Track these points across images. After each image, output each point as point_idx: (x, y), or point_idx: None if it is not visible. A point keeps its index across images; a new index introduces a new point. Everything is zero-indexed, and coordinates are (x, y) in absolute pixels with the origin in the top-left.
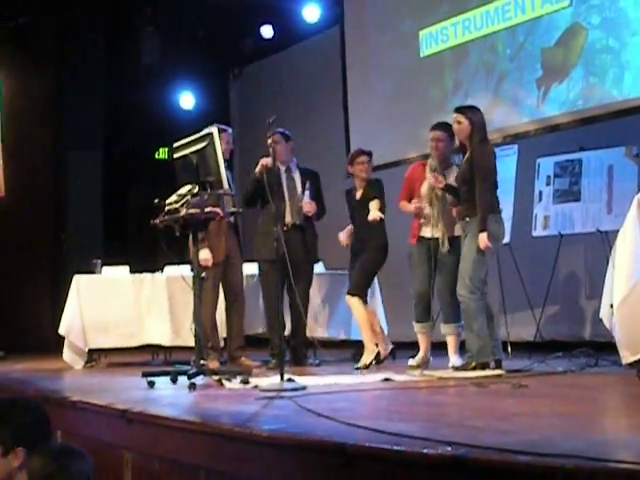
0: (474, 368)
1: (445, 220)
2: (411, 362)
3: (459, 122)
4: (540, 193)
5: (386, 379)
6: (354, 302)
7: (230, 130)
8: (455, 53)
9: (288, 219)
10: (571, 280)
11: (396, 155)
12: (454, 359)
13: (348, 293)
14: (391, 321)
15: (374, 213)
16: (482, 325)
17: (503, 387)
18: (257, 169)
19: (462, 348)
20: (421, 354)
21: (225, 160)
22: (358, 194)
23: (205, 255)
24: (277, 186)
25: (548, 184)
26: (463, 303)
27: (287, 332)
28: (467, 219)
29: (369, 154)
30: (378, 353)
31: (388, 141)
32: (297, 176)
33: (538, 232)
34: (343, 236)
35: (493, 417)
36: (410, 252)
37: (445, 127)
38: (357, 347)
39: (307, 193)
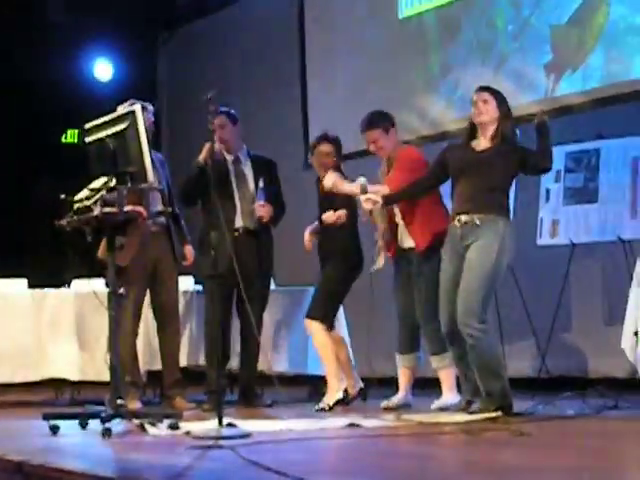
0: (495, 410)
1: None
2: (386, 404)
3: (485, 100)
4: (547, 192)
5: (352, 424)
6: (315, 328)
7: (151, 108)
8: (442, 27)
9: (238, 223)
10: (585, 301)
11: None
12: (451, 398)
13: (307, 317)
14: (360, 352)
15: (333, 213)
16: (500, 361)
17: (499, 435)
18: (200, 156)
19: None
20: (400, 394)
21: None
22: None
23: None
24: (223, 181)
25: (557, 180)
26: (471, 337)
27: (236, 365)
28: (476, 220)
29: (334, 141)
30: (345, 392)
31: (356, 122)
32: (248, 168)
33: (544, 240)
34: (306, 236)
35: (487, 473)
36: (394, 273)
37: (379, 118)
38: (316, 384)
39: (260, 193)
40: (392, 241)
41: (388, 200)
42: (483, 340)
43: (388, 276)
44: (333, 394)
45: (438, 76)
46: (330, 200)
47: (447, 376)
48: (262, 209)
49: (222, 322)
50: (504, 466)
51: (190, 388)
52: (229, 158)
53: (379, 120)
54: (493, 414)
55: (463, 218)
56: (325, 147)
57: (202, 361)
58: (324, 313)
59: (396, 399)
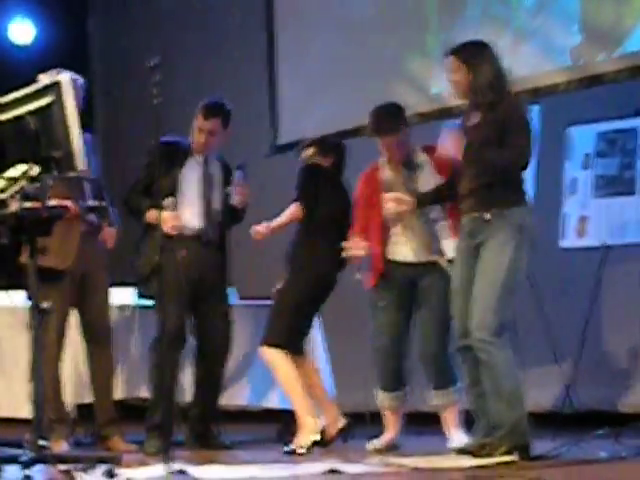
0: (507, 453)
1: (423, 237)
2: (372, 445)
3: (452, 69)
4: (574, 181)
5: (332, 471)
6: (271, 357)
7: (82, 81)
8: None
9: (195, 224)
10: (620, 318)
11: (351, 120)
12: (458, 437)
13: (262, 344)
14: (342, 382)
15: (266, 225)
16: (516, 385)
17: None
18: (164, 226)
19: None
20: (388, 435)
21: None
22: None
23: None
24: (177, 178)
25: (586, 167)
26: (483, 352)
27: (189, 398)
28: (486, 216)
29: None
30: (322, 431)
31: (335, 103)
32: (216, 171)
33: (570, 242)
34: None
35: None
36: (375, 297)
37: (396, 115)
38: (286, 420)
39: (239, 174)
40: (380, 253)
41: (422, 200)
42: (497, 357)
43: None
44: (306, 434)
45: (437, 40)
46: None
47: (453, 413)
48: (240, 192)
49: (176, 340)
50: None
51: (130, 426)
52: (199, 158)
53: (396, 120)
54: (506, 457)
55: (471, 214)
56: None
57: (144, 392)
58: (285, 337)
59: (384, 440)
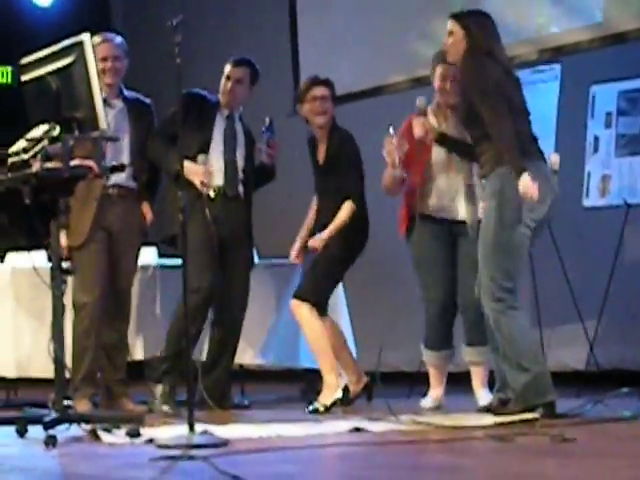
0: (528, 411)
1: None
2: (425, 403)
3: (451, 32)
4: (596, 140)
5: (356, 429)
6: (304, 312)
7: (120, 40)
8: None
9: (219, 182)
10: None
11: (372, 79)
12: (483, 396)
13: (295, 297)
14: (364, 342)
15: (320, 237)
16: (524, 347)
17: (538, 441)
18: (195, 178)
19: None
20: (435, 392)
21: (108, 86)
22: (320, 154)
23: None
24: (208, 135)
25: (608, 126)
26: (489, 318)
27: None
28: (483, 180)
29: (327, 84)
30: (345, 389)
31: (357, 62)
32: (239, 129)
33: (592, 201)
34: (295, 248)
35: None
36: (411, 243)
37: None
38: (311, 380)
39: (266, 131)
40: (412, 207)
41: (443, 139)
42: (500, 322)
43: (400, 246)
44: (330, 392)
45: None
46: (329, 173)
47: (480, 373)
48: (271, 146)
49: (203, 296)
50: None
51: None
52: (223, 113)
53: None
54: (529, 415)
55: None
56: (320, 90)
57: (155, 352)
58: (316, 295)
59: (434, 397)
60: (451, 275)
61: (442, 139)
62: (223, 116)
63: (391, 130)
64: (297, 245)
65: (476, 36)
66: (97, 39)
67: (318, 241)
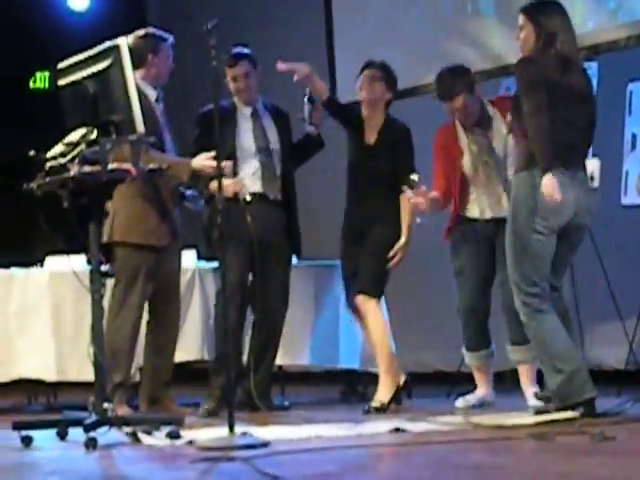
0: (570, 408)
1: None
2: (461, 403)
3: (521, 27)
4: (633, 137)
5: (397, 429)
6: (371, 307)
7: (171, 40)
8: None
9: (256, 187)
10: None
11: (410, 79)
12: (530, 394)
13: (361, 293)
14: (401, 339)
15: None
16: (556, 349)
17: (578, 440)
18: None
19: None
20: (480, 392)
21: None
22: (371, 135)
23: (200, 160)
24: (233, 140)
25: None
26: (523, 321)
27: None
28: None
29: (381, 67)
30: (398, 388)
31: (392, 61)
32: (268, 121)
33: (631, 199)
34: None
35: None
36: (451, 247)
37: (461, 78)
38: (349, 381)
39: (307, 104)
40: (457, 209)
41: None
42: (529, 326)
43: (439, 248)
44: (385, 392)
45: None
46: (379, 155)
47: (527, 371)
48: (314, 117)
49: (237, 295)
50: (584, 479)
51: (187, 389)
52: (246, 111)
53: (461, 81)
54: (569, 414)
55: None
56: (370, 71)
57: (203, 355)
58: (380, 289)
59: (475, 396)
60: (484, 276)
61: None
62: (246, 115)
63: (415, 177)
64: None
65: (544, 28)
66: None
67: (405, 251)
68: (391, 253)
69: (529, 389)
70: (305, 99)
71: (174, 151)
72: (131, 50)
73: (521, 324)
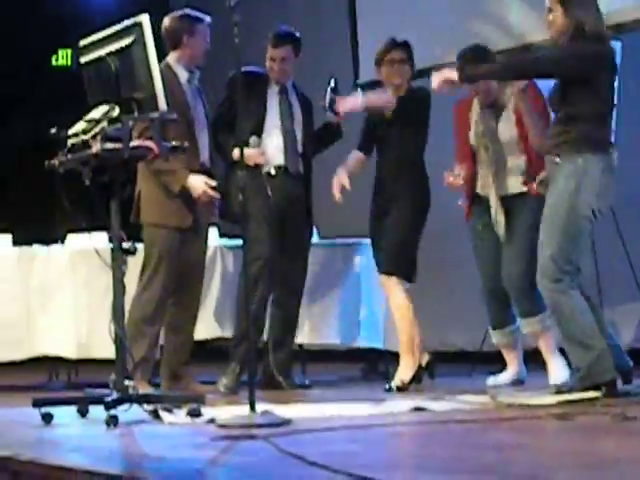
0: (590, 389)
1: (498, 171)
2: (493, 381)
3: (550, 9)
4: None
5: (418, 408)
6: (393, 285)
7: (208, 20)
8: None
9: (278, 161)
10: None
11: (429, 58)
12: (554, 367)
13: (384, 272)
14: (424, 318)
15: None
16: (586, 325)
17: (599, 420)
18: (250, 160)
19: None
20: (511, 370)
21: (198, 68)
22: (388, 112)
23: (198, 182)
24: (262, 111)
25: None
26: (548, 299)
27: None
28: (557, 159)
29: (405, 47)
30: (419, 367)
31: (414, 41)
32: (295, 101)
33: None
34: (339, 178)
35: (581, 466)
36: (472, 226)
37: (483, 58)
38: (370, 359)
39: (330, 95)
40: (470, 184)
41: (469, 78)
42: (560, 302)
43: (463, 228)
44: (406, 371)
45: None
46: (398, 128)
47: (546, 341)
48: (337, 105)
49: (265, 268)
50: (604, 458)
51: (208, 367)
52: (275, 88)
53: (483, 61)
54: (590, 394)
55: (549, 157)
56: (398, 54)
57: (226, 332)
58: (403, 267)
59: (507, 376)
60: (499, 256)
61: (469, 79)
62: (275, 91)
63: (456, 170)
64: (337, 183)
65: (574, 11)
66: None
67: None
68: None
69: (552, 360)
70: (328, 88)
71: (207, 130)
72: (167, 31)
73: (530, 294)
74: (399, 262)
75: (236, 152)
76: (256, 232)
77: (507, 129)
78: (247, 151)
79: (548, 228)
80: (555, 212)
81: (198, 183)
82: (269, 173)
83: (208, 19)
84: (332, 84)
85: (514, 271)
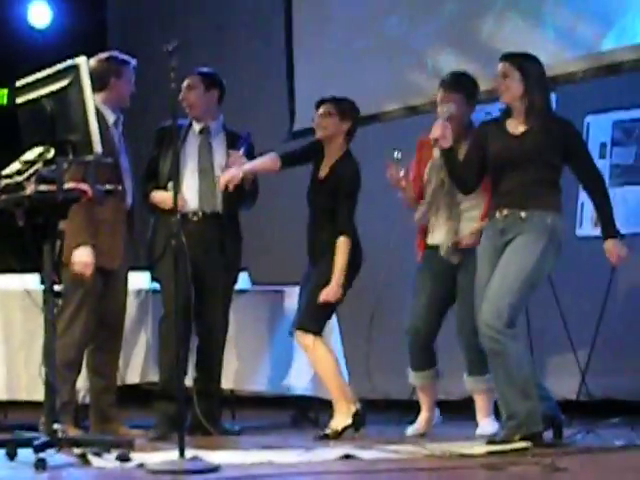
0: (523, 440)
1: (451, 217)
2: (411, 431)
3: (505, 75)
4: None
5: (347, 456)
6: (309, 342)
7: (134, 63)
8: None
9: (193, 206)
10: (636, 305)
11: (369, 106)
12: (486, 425)
13: (298, 329)
14: (354, 369)
15: (332, 287)
16: (529, 375)
17: (529, 470)
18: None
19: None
20: (424, 415)
21: (120, 110)
22: (324, 168)
23: (84, 255)
24: (180, 154)
25: (603, 156)
26: (495, 342)
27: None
28: (521, 214)
29: (332, 102)
30: (356, 414)
31: (351, 89)
32: (219, 142)
33: (586, 230)
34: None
35: None
36: (417, 270)
37: (458, 84)
38: (301, 406)
39: (242, 149)
40: (423, 233)
41: (450, 155)
42: (509, 347)
43: (393, 274)
44: (341, 418)
45: (455, 27)
46: (326, 192)
47: (482, 401)
48: (237, 159)
49: (183, 323)
50: None
51: (140, 411)
52: (196, 127)
53: (466, 83)
54: (521, 444)
55: (505, 211)
56: (323, 107)
57: (156, 376)
58: (318, 325)
59: (421, 422)
60: (441, 300)
61: (449, 153)
62: (196, 132)
63: (397, 154)
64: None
65: (532, 72)
66: None
67: (332, 293)
68: (321, 297)
69: (484, 419)
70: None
71: (130, 174)
72: (93, 73)
73: (479, 354)
74: (316, 319)
75: (155, 196)
76: (171, 286)
77: None
78: (162, 195)
79: (512, 276)
80: (524, 263)
81: (82, 258)
82: (186, 217)
83: (134, 62)
84: (242, 142)
85: (474, 329)
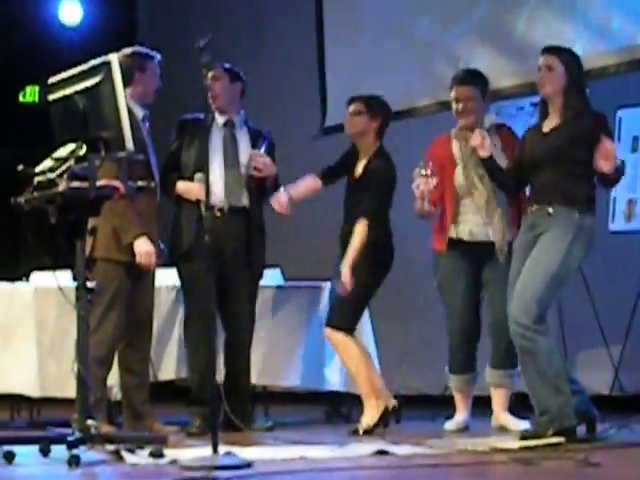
0: (555, 435)
1: (499, 214)
2: (450, 426)
3: (549, 67)
4: (622, 164)
5: (381, 452)
6: (339, 339)
7: (159, 57)
8: None
9: (220, 200)
10: None
11: (401, 102)
12: (503, 419)
13: (328, 325)
14: (388, 365)
15: (345, 273)
16: (560, 370)
17: (562, 465)
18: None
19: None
20: (460, 416)
21: (146, 106)
22: (358, 169)
23: (144, 245)
24: (205, 148)
25: (635, 150)
26: (524, 338)
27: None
28: (549, 209)
29: (363, 100)
30: (386, 410)
31: (383, 85)
32: (243, 135)
33: (618, 225)
34: (281, 199)
35: None
36: (435, 263)
37: (474, 79)
38: (334, 402)
39: (263, 147)
40: (446, 228)
41: (489, 162)
42: (539, 343)
43: (426, 271)
44: (372, 412)
45: (488, 25)
46: (360, 190)
47: (501, 396)
48: (260, 159)
49: (203, 318)
50: None
51: (175, 407)
52: (220, 120)
53: (480, 79)
54: (554, 439)
55: (535, 207)
56: (352, 106)
57: (173, 375)
58: (348, 323)
59: (458, 421)
60: (475, 299)
61: (489, 163)
62: (219, 125)
63: (424, 170)
64: (284, 197)
65: (574, 66)
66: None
67: (346, 275)
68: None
69: (502, 413)
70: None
71: (157, 170)
72: None
73: (506, 349)
74: (349, 318)
75: (180, 186)
76: (197, 279)
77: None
78: (188, 185)
79: (541, 272)
80: (551, 259)
81: (144, 248)
82: (211, 212)
83: (158, 56)
84: (261, 141)
85: (504, 322)
